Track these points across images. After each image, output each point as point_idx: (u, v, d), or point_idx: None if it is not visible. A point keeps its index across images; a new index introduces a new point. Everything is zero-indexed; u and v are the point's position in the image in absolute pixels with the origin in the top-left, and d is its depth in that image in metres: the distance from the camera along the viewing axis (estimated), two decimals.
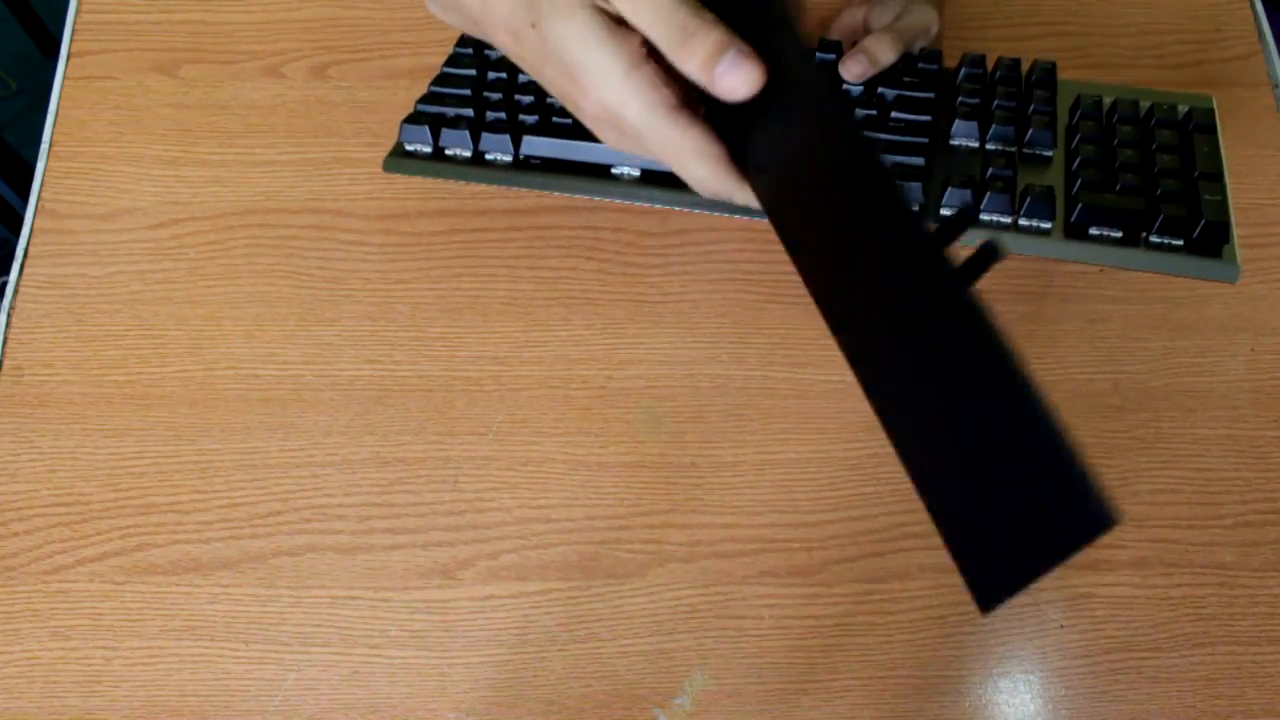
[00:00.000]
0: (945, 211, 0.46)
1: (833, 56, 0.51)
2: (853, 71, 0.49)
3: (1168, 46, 0.62)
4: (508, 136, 0.49)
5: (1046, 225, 0.45)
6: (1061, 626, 0.47)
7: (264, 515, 0.48)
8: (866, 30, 0.56)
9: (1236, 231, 0.45)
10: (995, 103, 0.49)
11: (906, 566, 0.48)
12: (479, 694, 0.45)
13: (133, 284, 0.53)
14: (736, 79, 0.32)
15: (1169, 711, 0.46)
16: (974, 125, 0.49)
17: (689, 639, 0.47)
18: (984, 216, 0.45)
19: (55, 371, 0.51)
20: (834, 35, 0.57)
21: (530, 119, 0.50)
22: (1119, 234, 0.44)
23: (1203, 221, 0.43)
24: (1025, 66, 0.53)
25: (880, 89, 0.50)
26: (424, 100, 0.51)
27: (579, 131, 0.47)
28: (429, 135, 0.49)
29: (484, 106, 0.51)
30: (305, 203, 0.56)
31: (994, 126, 0.48)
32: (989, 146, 0.49)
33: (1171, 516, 0.50)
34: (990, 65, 0.53)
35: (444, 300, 0.53)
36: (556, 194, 0.49)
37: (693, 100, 0.36)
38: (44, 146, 0.57)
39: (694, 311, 0.53)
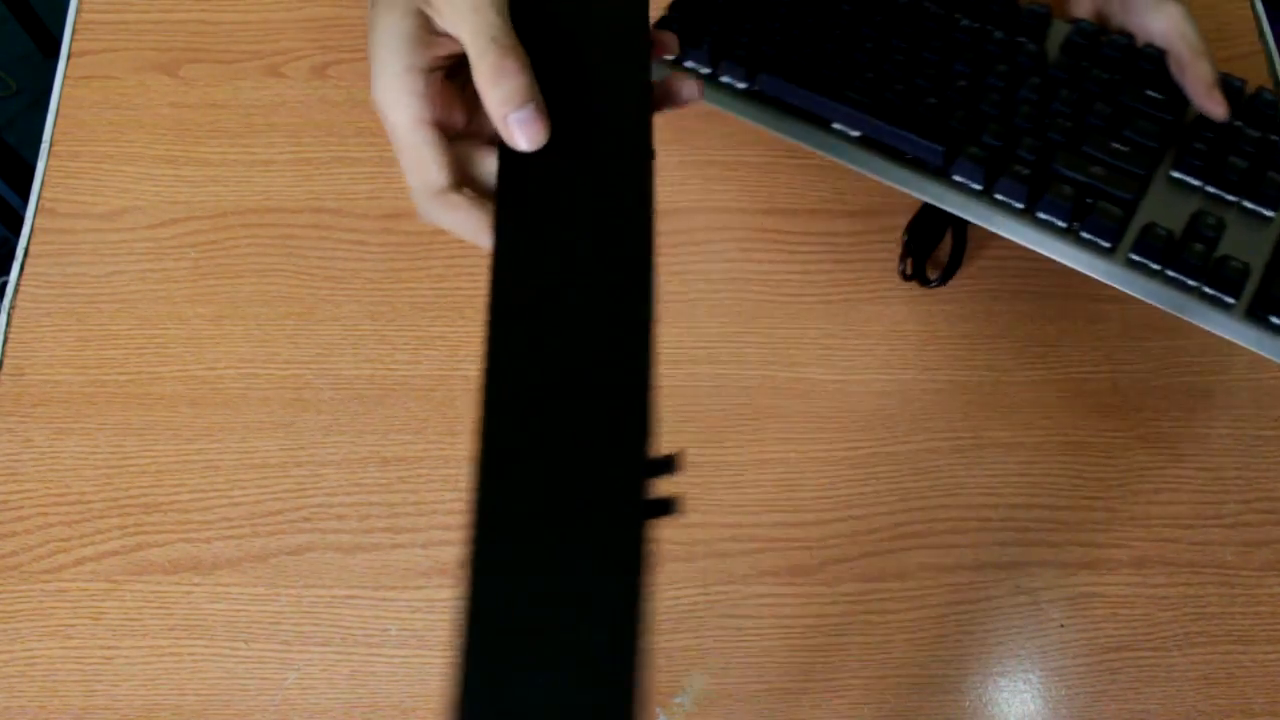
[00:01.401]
0: (1134, 257, 0.44)
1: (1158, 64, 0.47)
2: (1220, 112, 0.46)
3: None
4: (743, 68, 0.48)
5: (1230, 300, 0.43)
6: (1061, 626, 0.47)
7: (264, 514, 0.48)
8: (1102, 16, 0.51)
9: None
10: (1235, 143, 0.46)
11: (906, 566, 0.48)
12: None
13: (133, 284, 0.53)
14: (521, 132, 0.32)
15: (1169, 711, 0.46)
16: (1202, 169, 0.45)
17: (689, 639, 0.47)
18: (1170, 273, 0.43)
19: (55, 371, 0.51)
20: (1077, 12, 0.53)
21: (770, 51, 0.49)
22: None
23: None
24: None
25: (1120, 96, 0.47)
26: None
27: (815, 76, 0.48)
28: (705, 54, 0.48)
29: (733, 22, 0.49)
30: (305, 202, 0.56)
31: (1222, 171, 0.45)
32: (1209, 189, 0.46)
33: (1172, 516, 0.50)
34: (1249, 90, 0.48)
35: (444, 299, 0.53)
36: (775, 133, 0.49)
37: (452, 127, 0.36)
38: (44, 146, 0.57)
39: (694, 311, 0.53)
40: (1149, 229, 0.44)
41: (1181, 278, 0.43)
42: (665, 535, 0.48)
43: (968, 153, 0.45)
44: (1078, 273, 0.48)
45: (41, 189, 0.55)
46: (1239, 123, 0.47)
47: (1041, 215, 0.45)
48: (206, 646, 0.46)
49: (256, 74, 0.59)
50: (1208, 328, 0.44)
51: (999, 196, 0.45)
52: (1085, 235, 0.45)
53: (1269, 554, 0.49)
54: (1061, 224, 0.45)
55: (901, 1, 0.50)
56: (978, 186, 0.46)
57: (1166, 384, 0.52)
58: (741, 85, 0.49)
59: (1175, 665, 0.47)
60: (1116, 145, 0.46)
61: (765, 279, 0.54)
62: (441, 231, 0.55)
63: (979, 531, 0.49)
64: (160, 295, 0.53)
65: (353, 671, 0.46)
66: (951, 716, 0.46)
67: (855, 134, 0.47)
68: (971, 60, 0.48)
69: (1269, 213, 0.45)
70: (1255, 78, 0.60)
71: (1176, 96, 0.47)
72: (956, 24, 0.49)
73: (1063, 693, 0.46)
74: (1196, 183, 0.46)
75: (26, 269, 0.54)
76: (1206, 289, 0.43)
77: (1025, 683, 0.46)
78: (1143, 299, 0.44)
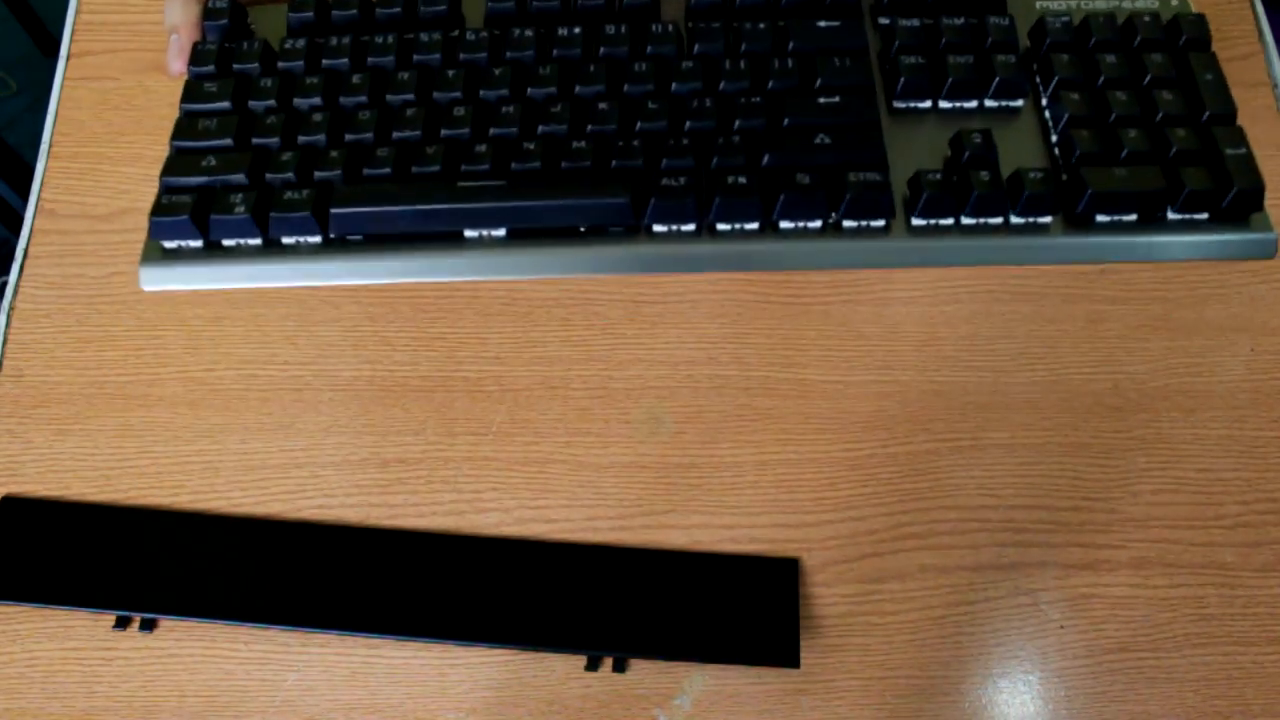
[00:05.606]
0: (918, 222, 0.35)
1: None
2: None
3: None
4: (308, 213, 0.34)
5: (1045, 220, 0.35)
6: (1061, 627, 0.47)
7: (264, 516, 0.48)
8: None
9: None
10: (943, 40, 0.37)
11: (906, 567, 0.48)
12: (479, 694, 0.45)
13: (132, 285, 0.53)
14: None
15: (1169, 712, 0.46)
16: (923, 79, 0.37)
17: None
18: (966, 220, 0.35)
19: (55, 372, 0.51)
20: None
21: (332, 173, 0.35)
22: (1133, 217, 0.35)
23: (1234, 191, 0.34)
24: None
25: (792, 44, 0.37)
26: (172, 168, 0.36)
27: (406, 187, 0.34)
28: (192, 227, 0.35)
29: (263, 162, 0.35)
30: None
31: (950, 80, 0.37)
32: (943, 105, 0.37)
33: (1172, 516, 0.50)
34: None
35: (444, 300, 0.53)
36: (391, 280, 0.36)
37: None
38: (44, 147, 0.57)
39: (694, 311, 0.53)
40: (919, 181, 0.35)
41: (983, 220, 0.35)
42: (666, 537, 0.48)
43: (664, 190, 0.34)
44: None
45: (41, 190, 0.55)
46: (930, 20, 0.39)
47: (785, 224, 0.35)
48: (206, 647, 0.46)
49: None
50: (1035, 262, 0.36)
51: (722, 227, 0.35)
52: (849, 224, 0.35)
53: (1269, 555, 0.49)
54: (814, 225, 0.35)
55: (451, 35, 0.37)
56: (690, 227, 0.35)
57: (1166, 385, 0.52)
58: (316, 239, 0.35)
59: (1175, 666, 0.47)
60: (825, 100, 0.36)
61: (765, 279, 0.54)
62: None
63: (979, 533, 0.49)
64: (159, 296, 0.53)
65: (353, 672, 0.46)
66: (952, 718, 0.46)
67: (499, 233, 0.35)
68: (588, 74, 0.36)
69: (1015, 103, 0.37)
70: (1255, 78, 0.60)
71: (852, 12, 0.38)
72: (556, 37, 0.37)
73: (1062, 694, 0.46)
74: (925, 104, 0.37)
75: (26, 269, 0.54)
76: (1016, 219, 0.35)
77: (1025, 684, 0.46)
78: (938, 266, 0.36)
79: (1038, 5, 0.40)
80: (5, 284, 0.53)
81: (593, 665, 0.46)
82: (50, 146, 0.57)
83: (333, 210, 0.34)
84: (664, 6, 0.38)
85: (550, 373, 0.52)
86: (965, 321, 0.53)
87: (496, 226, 0.34)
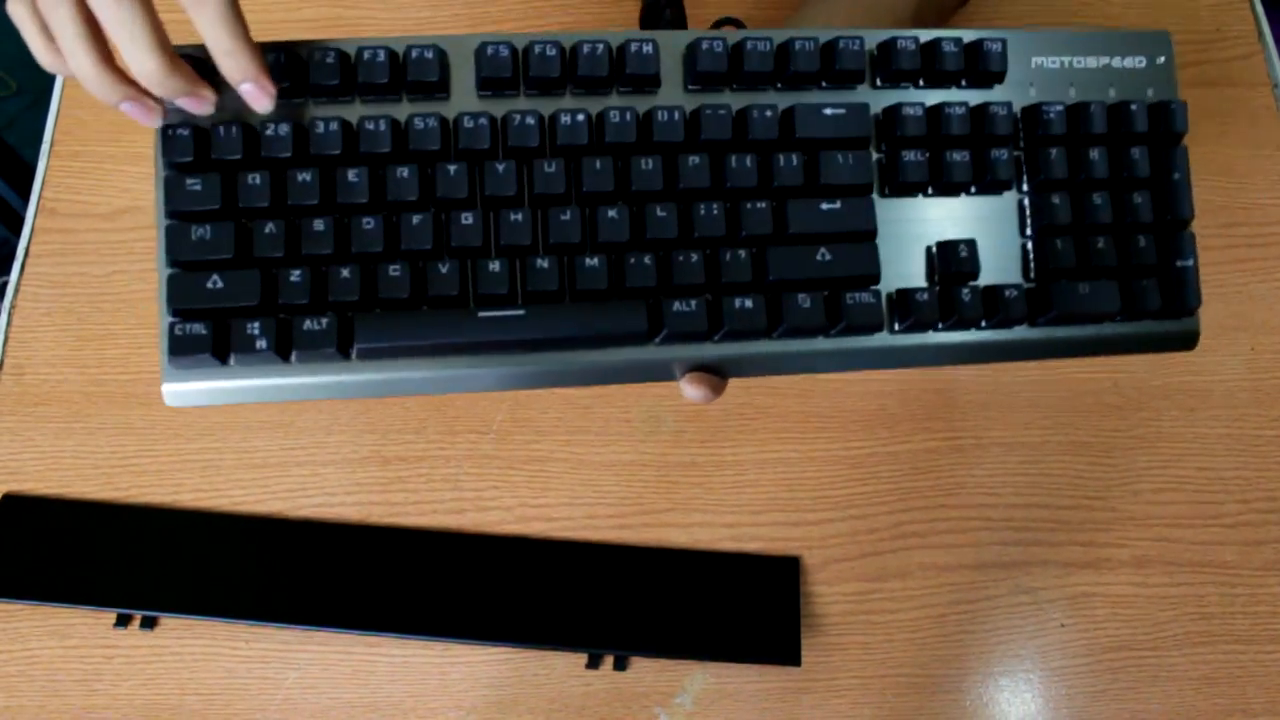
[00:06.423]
0: (899, 329, 0.37)
1: None
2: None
3: None
4: (333, 348, 0.33)
5: (1017, 326, 0.38)
6: (1061, 626, 0.47)
7: (265, 514, 0.48)
8: None
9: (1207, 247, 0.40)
10: (942, 130, 0.37)
11: (906, 566, 0.48)
12: (480, 692, 0.45)
13: (133, 284, 0.53)
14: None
15: (1169, 710, 0.46)
16: (920, 177, 0.37)
17: None
18: (942, 326, 0.37)
19: (55, 371, 0.51)
20: None
21: (348, 297, 0.34)
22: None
23: (1176, 302, 0.38)
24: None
25: (798, 132, 0.37)
26: (177, 294, 0.34)
27: (423, 298, 0.34)
28: (213, 360, 0.34)
29: (272, 282, 0.34)
30: None
31: (944, 179, 0.37)
32: (930, 193, 0.38)
33: (1172, 516, 0.50)
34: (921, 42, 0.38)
35: None
36: (411, 394, 0.36)
37: None
38: (45, 146, 0.57)
39: None
40: (906, 299, 0.36)
41: (960, 328, 0.37)
42: (667, 535, 0.48)
43: (677, 315, 0.35)
44: None
45: (42, 189, 0.55)
46: (927, 87, 0.39)
47: (787, 326, 0.36)
48: (207, 645, 0.46)
49: None
50: (990, 360, 0.38)
51: (734, 328, 0.36)
52: (835, 332, 0.36)
53: (1269, 554, 0.49)
54: (814, 328, 0.36)
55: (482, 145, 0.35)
56: (698, 340, 0.36)
57: (1166, 384, 0.52)
58: (338, 361, 0.35)
59: (1175, 665, 0.47)
60: (827, 207, 0.36)
61: None
62: None
63: (979, 531, 0.49)
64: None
65: (353, 670, 0.46)
66: (952, 716, 0.46)
67: (530, 336, 0.35)
68: (595, 171, 0.36)
69: (999, 195, 0.38)
70: (1255, 78, 0.60)
71: (854, 78, 0.38)
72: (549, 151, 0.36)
73: (1063, 692, 0.46)
74: (915, 196, 0.38)
75: (27, 269, 0.54)
76: (985, 324, 0.37)
77: (1025, 682, 0.46)
78: (912, 368, 0.38)
79: (1033, 62, 0.40)
80: (5, 284, 0.53)
81: (594, 663, 0.46)
82: (52, 145, 0.57)
83: (357, 345, 0.34)
84: (664, 75, 0.37)
85: None
86: None
87: (520, 332, 0.35)
